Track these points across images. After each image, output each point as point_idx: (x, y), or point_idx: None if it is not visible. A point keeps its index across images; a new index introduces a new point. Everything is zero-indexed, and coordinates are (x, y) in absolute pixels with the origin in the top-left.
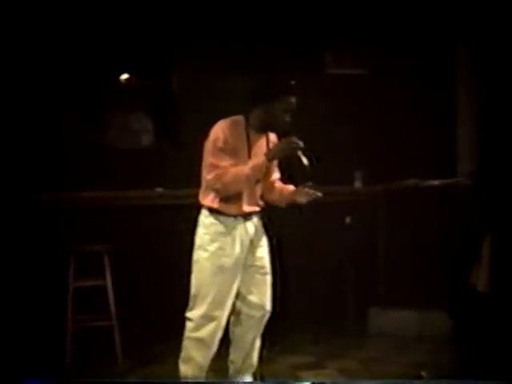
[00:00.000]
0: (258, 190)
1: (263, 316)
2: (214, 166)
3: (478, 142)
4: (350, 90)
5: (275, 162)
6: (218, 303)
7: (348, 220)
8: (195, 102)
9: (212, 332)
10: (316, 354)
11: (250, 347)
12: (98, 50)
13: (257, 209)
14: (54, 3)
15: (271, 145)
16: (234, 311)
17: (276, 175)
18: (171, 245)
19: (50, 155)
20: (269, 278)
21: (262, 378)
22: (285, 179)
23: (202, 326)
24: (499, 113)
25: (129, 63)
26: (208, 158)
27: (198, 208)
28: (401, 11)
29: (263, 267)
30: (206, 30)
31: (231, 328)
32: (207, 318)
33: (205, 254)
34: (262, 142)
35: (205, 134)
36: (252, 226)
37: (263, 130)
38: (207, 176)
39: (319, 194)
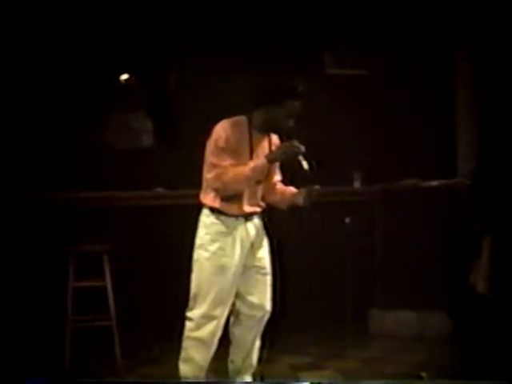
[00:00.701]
0: (259, 191)
1: (263, 316)
2: (215, 166)
3: (478, 142)
4: (349, 90)
5: (277, 164)
6: (218, 303)
7: (347, 220)
8: (195, 102)
9: (212, 332)
10: (316, 355)
11: (249, 347)
12: (98, 50)
13: (258, 209)
14: (53, 3)
15: (273, 146)
16: (234, 311)
17: (277, 177)
18: (171, 245)
19: (49, 155)
20: (269, 279)
21: (262, 379)
22: (286, 182)
23: (201, 326)
24: (499, 112)
25: (128, 63)
26: (209, 157)
27: (198, 208)
28: (400, 11)
29: (263, 268)
30: (205, 29)
31: (231, 328)
32: (207, 318)
33: (205, 254)
34: (265, 143)
35: (205, 134)
36: (253, 226)
37: (265, 131)
38: (207, 175)
39: (320, 195)
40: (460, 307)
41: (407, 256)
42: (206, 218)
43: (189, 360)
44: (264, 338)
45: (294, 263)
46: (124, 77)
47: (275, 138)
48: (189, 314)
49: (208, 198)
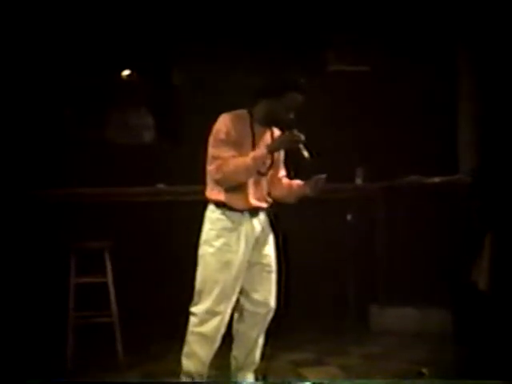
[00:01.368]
0: (265, 186)
1: (267, 313)
2: (216, 158)
3: (479, 139)
4: (352, 87)
5: (281, 160)
6: (222, 299)
7: (349, 217)
8: (197, 99)
9: (215, 327)
10: (317, 351)
11: (253, 344)
12: (100, 47)
13: (264, 204)
14: (56, 0)
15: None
16: (238, 308)
17: (282, 172)
18: (172, 241)
19: (51, 151)
20: (274, 276)
21: (264, 377)
22: (290, 177)
23: (205, 321)
24: (501, 109)
25: (130, 59)
26: (210, 150)
27: (200, 204)
28: (403, 8)
29: (268, 265)
30: (207, 26)
31: (235, 325)
32: (211, 314)
33: (210, 250)
34: (267, 136)
35: (207, 131)
36: (258, 223)
37: (267, 124)
38: (209, 167)
39: (325, 187)
40: (461, 304)
41: (409, 253)
42: (212, 214)
43: (192, 355)
44: (266, 334)
45: (296, 260)
46: (126, 73)
47: (277, 131)
48: (193, 309)
49: (213, 192)
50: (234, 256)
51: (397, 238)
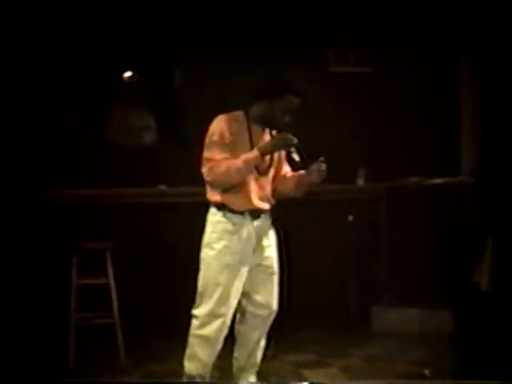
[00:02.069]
0: (268, 186)
1: (269, 315)
2: (208, 160)
3: (482, 140)
4: (353, 88)
5: (283, 157)
6: (223, 301)
7: (351, 218)
8: (198, 100)
9: (217, 330)
10: (319, 353)
11: (254, 346)
12: (101, 48)
13: (267, 206)
14: (58, 0)
15: None
16: (240, 310)
17: (286, 168)
18: (173, 243)
19: (52, 152)
20: (276, 278)
21: (266, 378)
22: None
23: (207, 324)
24: (503, 111)
25: (132, 61)
26: (204, 152)
27: (201, 206)
28: (405, 9)
29: (270, 267)
30: (209, 27)
31: (236, 326)
32: (213, 316)
33: (211, 252)
34: (265, 136)
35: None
36: (260, 225)
37: (262, 125)
38: (202, 168)
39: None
40: (464, 305)
41: (411, 254)
42: (213, 217)
43: (194, 357)
44: (268, 335)
45: (298, 261)
46: (128, 74)
47: (275, 132)
48: (195, 311)
49: (214, 194)
50: (235, 258)
51: (399, 239)
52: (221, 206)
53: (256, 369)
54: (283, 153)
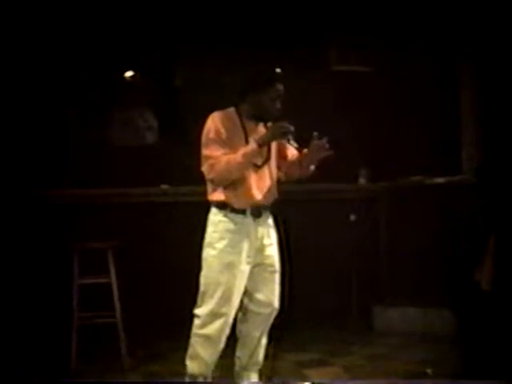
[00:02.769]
0: (267, 180)
1: (271, 313)
2: (207, 157)
3: (483, 139)
4: (355, 87)
5: (282, 145)
6: (225, 300)
7: (352, 217)
8: (200, 99)
9: (219, 329)
10: (321, 352)
11: (256, 344)
12: (103, 48)
13: (268, 201)
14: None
15: None
16: (242, 308)
17: (293, 151)
18: (175, 242)
19: (54, 152)
20: (277, 277)
21: (268, 377)
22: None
23: (209, 323)
24: (504, 109)
25: (134, 60)
26: (202, 150)
27: (203, 205)
28: (406, 8)
29: (272, 265)
30: (211, 26)
31: (238, 325)
32: (214, 315)
33: (213, 252)
34: (260, 130)
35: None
36: (261, 224)
37: (256, 119)
38: (202, 167)
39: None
40: (464, 304)
41: (412, 253)
42: (214, 216)
43: (195, 357)
44: (270, 334)
45: (299, 260)
46: (129, 74)
47: (269, 124)
48: (196, 311)
49: (215, 194)
50: (236, 258)
51: (400, 239)
52: (222, 206)
53: (258, 368)
54: (281, 142)
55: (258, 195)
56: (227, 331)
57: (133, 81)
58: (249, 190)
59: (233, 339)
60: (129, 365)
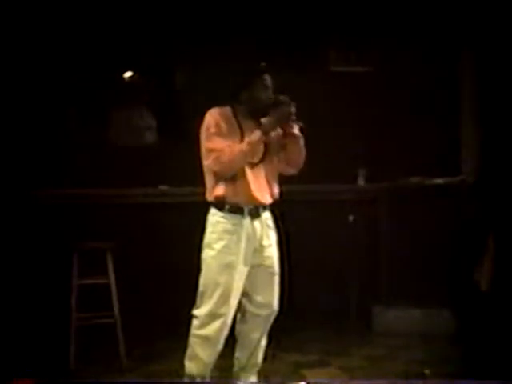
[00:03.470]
0: (266, 175)
1: (269, 315)
2: (211, 150)
3: (482, 140)
4: (354, 88)
5: (277, 139)
6: (223, 301)
7: (351, 218)
8: (200, 99)
9: (217, 330)
10: (320, 352)
11: (255, 345)
12: (102, 48)
13: (267, 200)
14: (59, 1)
15: None
16: (241, 309)
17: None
18: (174, 242)
19: (53, 152)
20: (276, 278)
21: (267, 378)
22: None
23: (207, 324)
24: (503, 110)
25: (133, 61)
26: (204, 145)
27: (202, 206)
28: (406, 9)
29: (271, 267)
30: (210, 27)
31: (237, 326)
32: (213, 316)
33: (211, 253)
34: (255, 126)
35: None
36: (260, 224)
37: (254, 115)
38: (206, 161)
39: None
40: (464, 305)
41: (411, 253)
42: (212, 217)
43: (194, 357)
44: (269, 335)
45: (298, 261)
46: (128, 74)
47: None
48: (195, 311)
49: (213, 193)
50: (234, 258)
51: (399, 239)
52: (220, 206)
53: (257, 368)
54: (279, 132)
55: (255, 193)
56: (226, 332)
57: (132, 81)
58: (248, 188)
59: (231, 340)
60: (127, 365)
